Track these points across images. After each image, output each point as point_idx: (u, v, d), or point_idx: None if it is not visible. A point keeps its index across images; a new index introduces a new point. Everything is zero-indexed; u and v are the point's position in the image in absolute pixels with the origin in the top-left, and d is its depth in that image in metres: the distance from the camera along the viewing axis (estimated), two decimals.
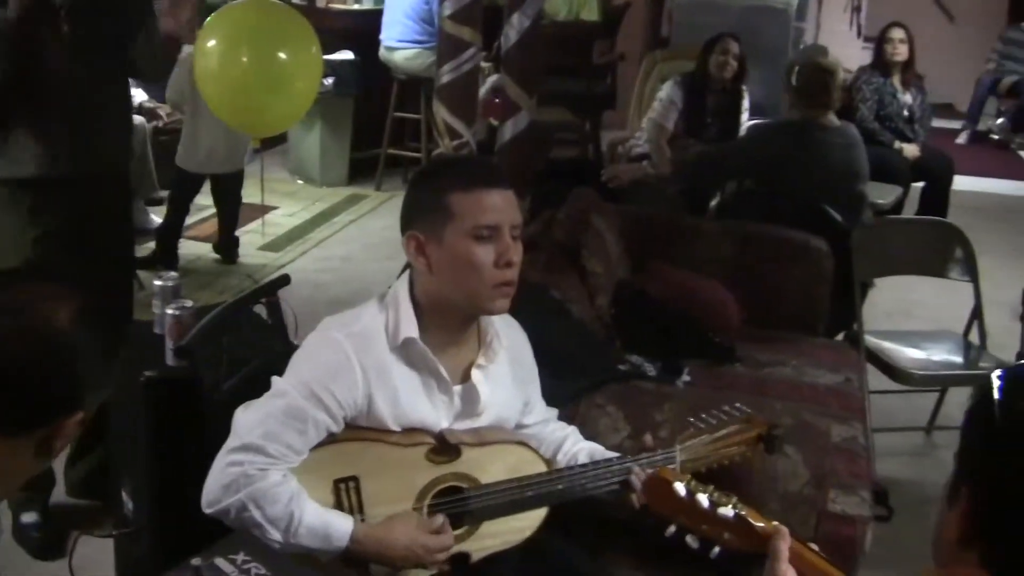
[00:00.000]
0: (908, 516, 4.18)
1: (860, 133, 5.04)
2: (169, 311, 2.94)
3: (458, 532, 2.35)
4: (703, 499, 1.92)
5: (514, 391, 2.52)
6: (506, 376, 2.48)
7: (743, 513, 1.91)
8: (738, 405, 2.66)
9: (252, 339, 3.17)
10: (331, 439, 2.26)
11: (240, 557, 1.66)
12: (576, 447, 2.61)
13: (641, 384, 3.55)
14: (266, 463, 2.17)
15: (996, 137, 12.20)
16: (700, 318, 4.05)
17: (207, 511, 2.19)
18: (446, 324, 2.34)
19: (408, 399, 2.31)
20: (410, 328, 2.29)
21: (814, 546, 1.85)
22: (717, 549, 1.93)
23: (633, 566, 2.96)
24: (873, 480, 3.71)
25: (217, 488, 2.18)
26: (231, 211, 6.53)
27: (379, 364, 2.27)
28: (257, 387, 2.88)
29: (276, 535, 2.16)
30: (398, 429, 2.30)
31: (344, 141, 8.40)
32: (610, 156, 6.99)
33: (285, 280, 3.40)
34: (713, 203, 5.23)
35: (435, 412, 2.35)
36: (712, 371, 3.94)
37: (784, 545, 1.81)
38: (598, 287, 3.88)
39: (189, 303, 3.02)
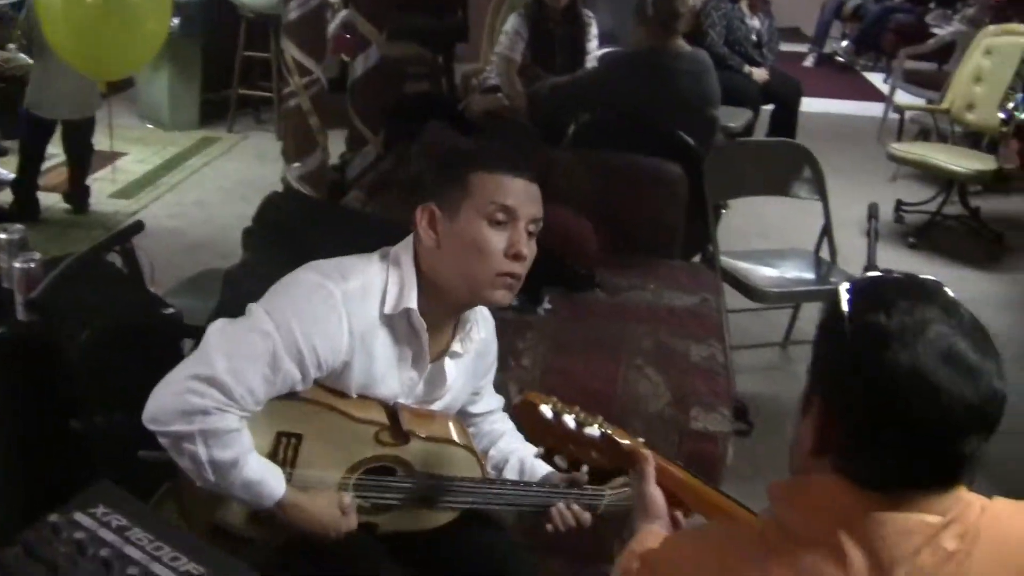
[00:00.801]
0: (767, 429, 4.31)
1: (710, 58, 5.09)
2: (17, 264, 2.84)
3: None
4: (569, 420, 1.95)
5: (471, 381, 2.48)
6: (469, 367, 2.43)
7: (609, 432, 1.95)
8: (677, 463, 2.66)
9: (107, 289, 3.11)
10: (291, 394, 2.18)
11: (100, 510, 1.63)
12: (510, 447, 2.57)
13: (502, 314, 3.55)
14: (226, 404, 2.06)
15: (841, 59, 12.50)
16: (558, 247, 4.06)
17: (149, 426, 2.08)
18: (439, 304, 2.25)
19: (380, 372, 2.24)
20: (412, 298, 2.21)
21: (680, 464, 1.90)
22: (585, 468, 1.97)
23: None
24: (732, 397, 3.81)
25: (171, 411, 2.06)
26: (82, 159, 6.31)
27: (366, 330, 2.18)
28: (116, 337, 2.84)
29: (209, 475, 2.09)
30: (355, 396, 2.25)
31: (193, 83, 8.21)
32: (463, 88, 6.96)
33: (139, 227, 3.32)
34: (569, 132, 5.24)
35: (399, 387, 2.30)
36: (572, 299, 3.97)
37: (650, 467, 1.85)
38: None
39: (37, 255, 2.92)
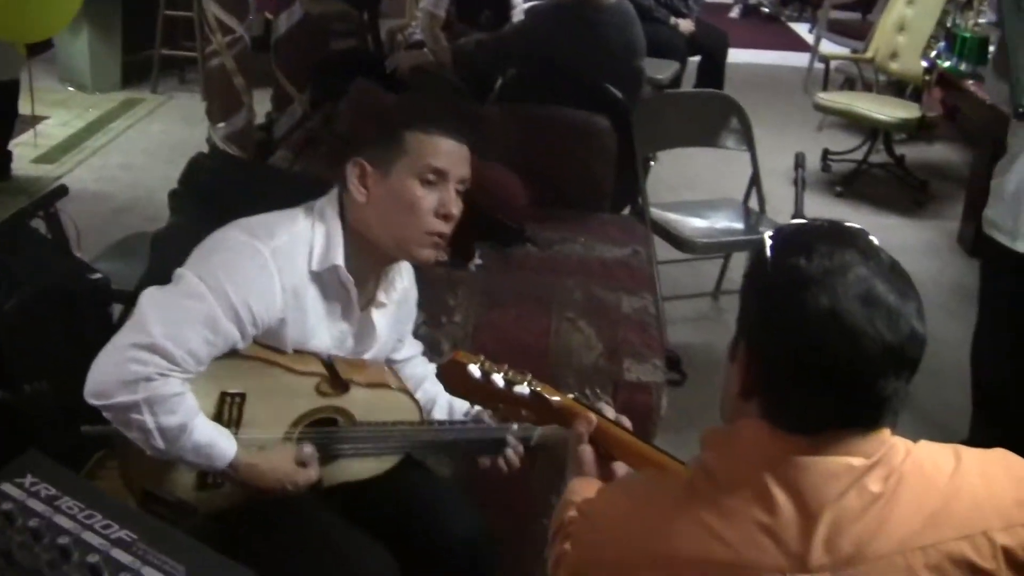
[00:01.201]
0: (700, 379, 4.35)
1: (635, 10, 5.09)
2: None
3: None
4: (498, 379, 1.96)
5: (396, 328, 2.51)
6: (393, 315, 2.46)
7: (538, 389, 1.96)
8: (598, 391, 2.69)
9: (32, 255, 3.06)
10: (232, 353, 2.19)
11: (28, 480, 1.61)
12: (435, 390, 2.61)
13: (433, 271, 3.56)
14: (168, 369, 2.06)
15: (767, 11, 12.55)
16: (487, 201, 4.06)
17: (92, 401, 2.07)
18: (365, 258, 2.29)
19: (313, 326, 2.27)
20: (338, 255, 2.23)
21: (623, 419, 1.91)
22: (515, 426, 1.98)
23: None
24: (665, 347, 3.83)
25: (114, 382, 2.05)
26: (7, 123, 6.17)
27: (297, 286, 2.21)
28: (43, 304, 2.80)
29: (159, 443, 2.09)
30: (290, 351, 2.26)
31: (114, 43, 8.04)
32: (389, 45, 6.90)
33: (62, 191, 3.29)
34: (496, 87, 5.23)
35: (330, 340, 2.32)
36: (503, 253, 3.97)
37: (583, 428, 1.87)
38: None
39: None
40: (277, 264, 2.16)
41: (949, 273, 5.77)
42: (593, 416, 1.88)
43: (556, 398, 1.94)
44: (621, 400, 3.02)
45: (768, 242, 1.42)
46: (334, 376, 2.29)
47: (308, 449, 2.25)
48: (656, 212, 4.74)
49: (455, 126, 2.28)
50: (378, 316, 2.39)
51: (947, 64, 5.91)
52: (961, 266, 5.88)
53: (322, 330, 2.29)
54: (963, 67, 5.75)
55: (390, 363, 2.56)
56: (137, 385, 2.04)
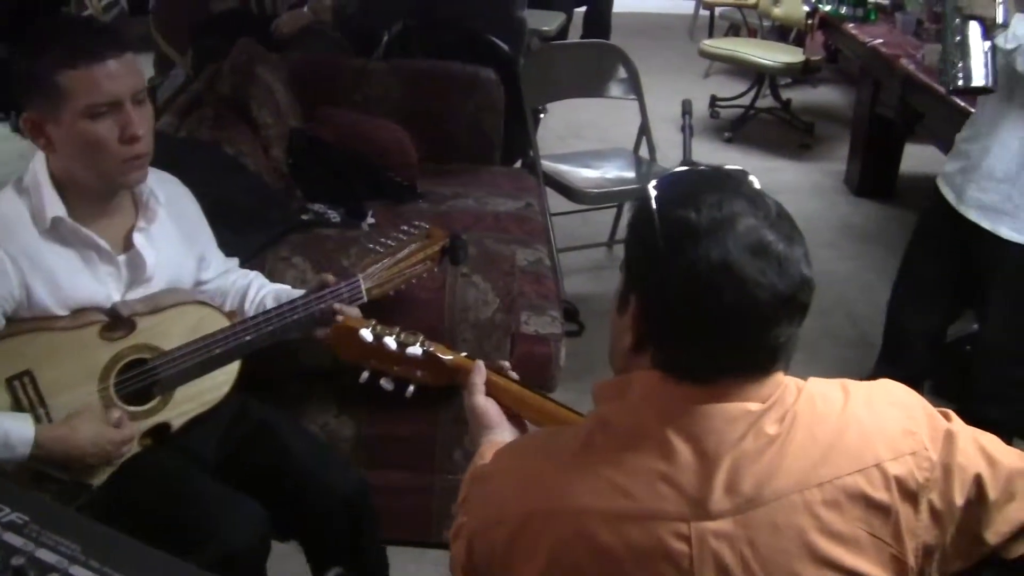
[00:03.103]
0: (598, 328, 4.37)
1: None
2: None
3: (151, 404, 2.30)
4: (390, 342, 1.94)
5: (183, 248, 2.44)
6: (171, 234, 2.39)
7: (431, 350, 1.95)
8: (416, 223, 2.67)
9: None
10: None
11: None
12: (262, 292, 2.57)
13: (325, 231, 3.52)
14: None
15: None
16: (378, 159, 4.03)
17: None
18: (90, 198, 2.23)
19: (69, 280, 2.20)
20: (55, 207, 2.18)
21: (513, 374, 1.91)
22: (412, 388, 1.97)
23: (336, 412, 2.99)
24: (562, 299, 3.85)
25: None
26: None
27: (28, 250, 2.15)
28: None
29: None
30: (66, 313, 2.20)
31: None
32: (272, 5, 6.79)
33: None
34: (381, 43, 5.18)
35: (103, 287, 2.26)
36: (395, 211, 3.95)
37: (479, 379, 1.86)
38: (271, 138, 3.80)
39: None
40: None
41: (836, 212, 5.86)
42: (483, 364, 1.88)
43: (449, 356, 1.94)
44: (520, 352, 3.03)
45: (652, 193, 1.41)
46: (113, 316, 2.25)
47: (116, 414, 2.22)
48: (547, 164, 4.74)
49: (99, 46, 2.14)
50: (144, 240, 2.32)
51: (828, 7, 5.99)
52: (847, 205, 5.98)
53: (85, 280, 2.24)
54: (843, 10, 5.84)
55: (202, 285, 2.53)
56: None
